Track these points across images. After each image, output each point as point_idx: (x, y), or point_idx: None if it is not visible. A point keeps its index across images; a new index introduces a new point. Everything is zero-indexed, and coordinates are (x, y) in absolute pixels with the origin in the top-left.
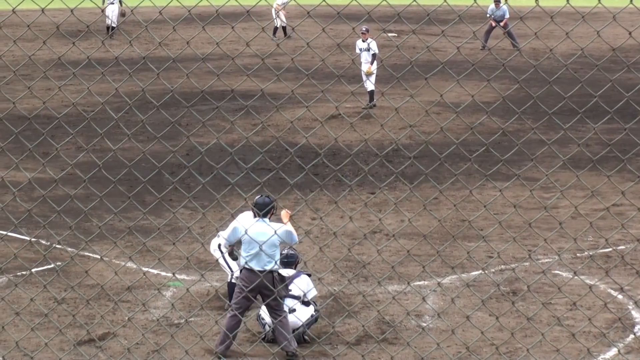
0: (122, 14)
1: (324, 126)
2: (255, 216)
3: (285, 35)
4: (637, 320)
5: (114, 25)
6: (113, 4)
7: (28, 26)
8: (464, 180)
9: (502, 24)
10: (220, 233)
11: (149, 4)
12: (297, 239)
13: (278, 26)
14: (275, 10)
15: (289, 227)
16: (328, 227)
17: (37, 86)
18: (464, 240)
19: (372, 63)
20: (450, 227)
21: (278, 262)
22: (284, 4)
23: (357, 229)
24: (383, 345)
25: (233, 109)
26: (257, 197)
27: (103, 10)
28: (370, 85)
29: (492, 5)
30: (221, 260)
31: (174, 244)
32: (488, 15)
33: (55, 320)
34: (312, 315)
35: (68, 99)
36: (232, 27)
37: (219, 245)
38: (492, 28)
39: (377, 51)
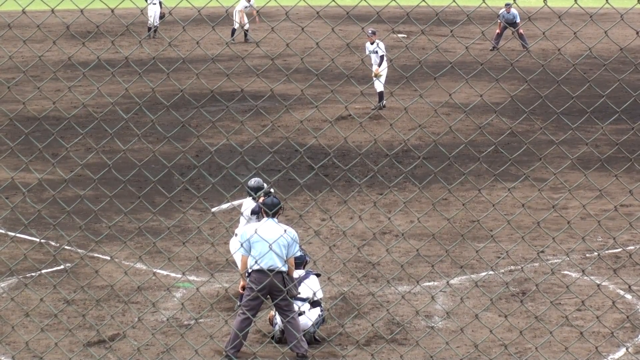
0: (161, 16)
1: (333, 126)
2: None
3: (241, 38)
4: None
5: (156, 25)
6: (155, 4)
7: (38, 26)
8: (473, 180)
9: (517, 29)
10: (237, 231)
11: None
12: (297, 252)
13: (236, 28)
14: (238, 13)
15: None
16: (338, 228)
17: (47, 87)
18: (473, 240)
19: (379, 65)
20: (460, 227)
21: (286, 263)
22: (245, 7)
23: (366, 229)
24: (392, 346)
25: (243, 109)
26: (266, 199)
27: (143, 11)
28: (379, 85)
29: (503, 10)
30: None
31: (183, 244)
32: (499, 22)
33: (65, 321)
34: (319, 315)
35: (78, 100)
36: (242, 27)
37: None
38: (502, 31)
39: (385, 52)
